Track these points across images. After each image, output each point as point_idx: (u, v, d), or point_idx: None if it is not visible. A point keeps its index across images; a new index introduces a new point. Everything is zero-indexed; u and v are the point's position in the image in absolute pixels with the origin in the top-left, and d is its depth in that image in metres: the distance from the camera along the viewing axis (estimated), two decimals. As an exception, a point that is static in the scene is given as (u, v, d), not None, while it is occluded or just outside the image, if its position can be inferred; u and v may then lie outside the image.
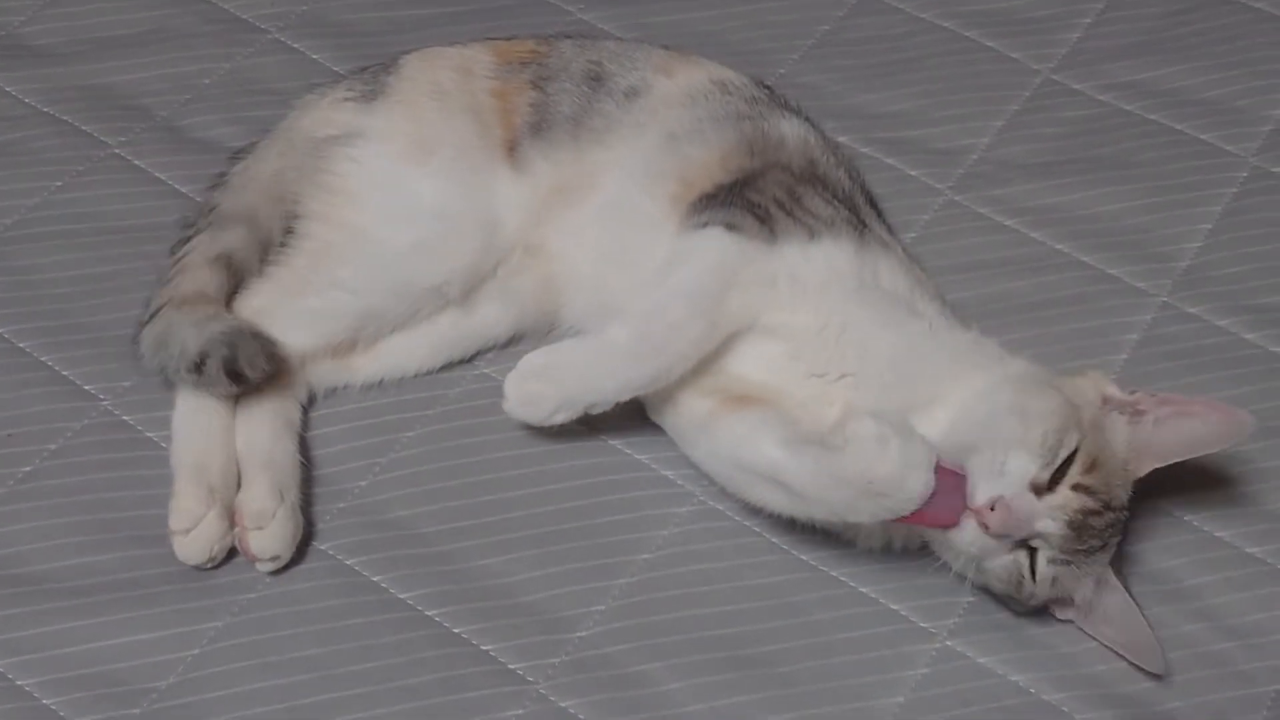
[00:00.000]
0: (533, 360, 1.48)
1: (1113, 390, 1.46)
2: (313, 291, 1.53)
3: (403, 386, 1.58)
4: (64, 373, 1.58)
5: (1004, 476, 1.38)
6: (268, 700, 1.38)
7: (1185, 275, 1.72)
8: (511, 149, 1.58)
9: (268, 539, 1.44)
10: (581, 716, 1.39)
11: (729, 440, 1.44)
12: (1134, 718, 1.41)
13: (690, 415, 1.49)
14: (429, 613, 1.44)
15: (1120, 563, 1.46)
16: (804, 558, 1.49)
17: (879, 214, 1.60)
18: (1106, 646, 1.44)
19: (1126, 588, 1.43)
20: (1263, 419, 1.46)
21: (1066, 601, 1.43)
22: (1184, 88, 1.90)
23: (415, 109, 1.58)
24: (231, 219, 1.56)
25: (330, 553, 1.48)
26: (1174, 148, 1.83)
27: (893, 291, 1.49)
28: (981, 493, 1.37)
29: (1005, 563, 1.40)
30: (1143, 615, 1.41)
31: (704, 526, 1.51)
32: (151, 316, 1.49)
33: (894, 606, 1.47)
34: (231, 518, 1.44)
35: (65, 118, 1.79)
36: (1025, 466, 1.38)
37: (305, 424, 1.54)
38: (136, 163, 1.75)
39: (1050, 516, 1.38)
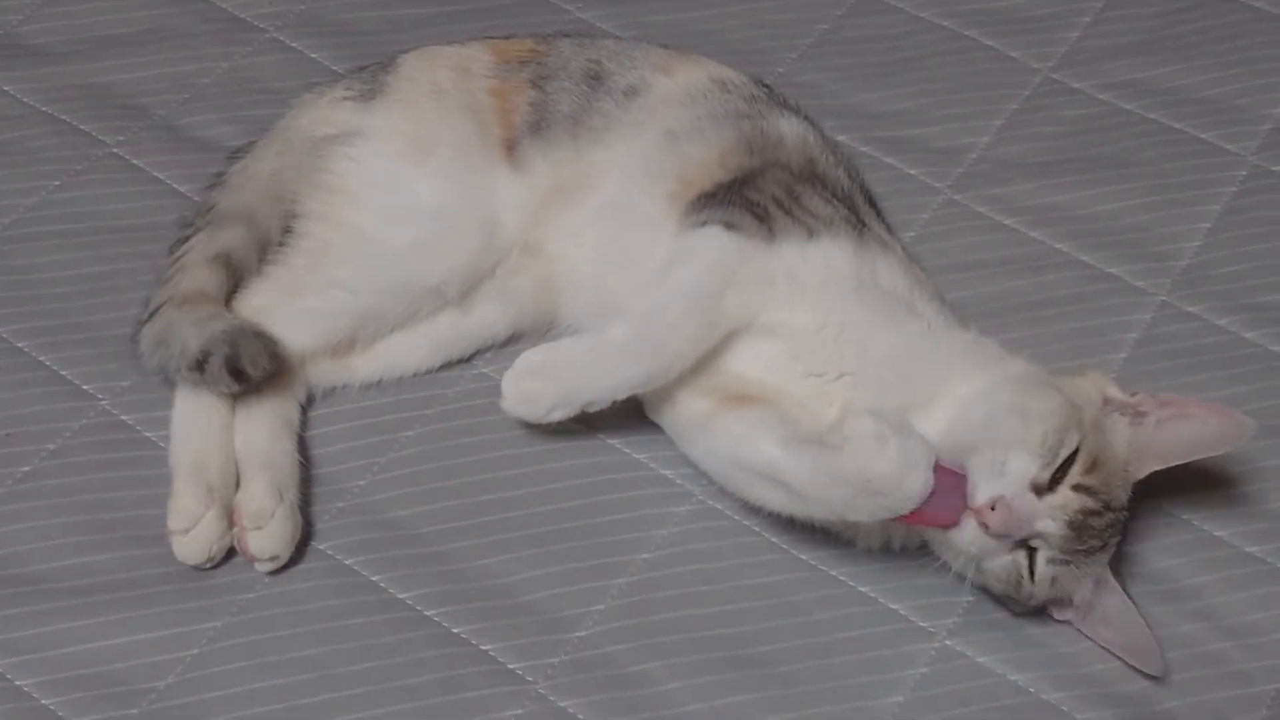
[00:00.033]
0: (530, 358, 1.48)
1: (1114, 391, 1.45)
2: (311, 291, 1.53)
3: (401, 386, 1.58)
4: (62, 372, 1.57)
5: (1004, 476, 1.37)
6: (267, 700, 1.38)
7: (1184, 274, 1.72)
8: (510, 148, 1.57)
9: (266, 539, 1.43)
10: (581, 716, 1.39)
11: (727, 439, 1.44)
12: (1133, 717, 1.41)
13: (689, 414, 1.48)
14: (428, 613, 1.44)
15: (1119, 562, 1.46)
16: (803, 557, 1.49)
17: (878, 213, 1.60)
18: (1104, 648, 1.43)
19: (1125, 588, 1.43)
20: (1262, 418, 1.45)
21: (1065, 602, 1.43)
22: (1183, 87, 1.90)
23: (414, 108, 1.58)
24: (230, 218, 1.56)
25: (329, 552, 1.48)
26: (1173, 147, 1.83)
27: (892, 291, 1.49)
28: (982, 492, 1.37)
29: (1005, 563, 1.40)
30: (1141, 617, 1.41)
31: (703, 526, 1.51)
32: (151, 315, 1.49)
33: (893, 606, 1.47)
34: (230, 517, 1.44)
35: (63, 117, 1.79)
36: (1026, 466, 1.38)
37: (304, 424, 1.54)
38: (135, 162, 1.75)
39: (1050, 516, 1.38)
